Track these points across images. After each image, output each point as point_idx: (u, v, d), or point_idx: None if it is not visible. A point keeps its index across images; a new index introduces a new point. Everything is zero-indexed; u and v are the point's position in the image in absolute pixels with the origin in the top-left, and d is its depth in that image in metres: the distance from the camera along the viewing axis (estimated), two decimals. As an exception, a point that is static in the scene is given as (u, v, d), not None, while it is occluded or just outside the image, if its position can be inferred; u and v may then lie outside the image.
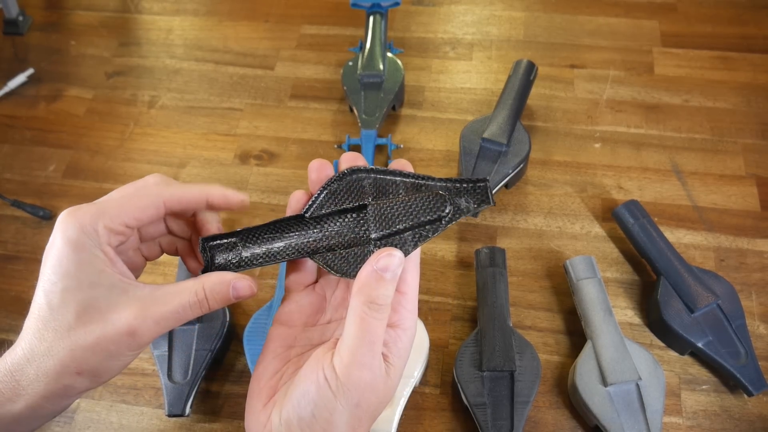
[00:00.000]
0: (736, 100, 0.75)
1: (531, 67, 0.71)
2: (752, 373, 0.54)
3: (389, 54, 0.76)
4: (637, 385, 0.53)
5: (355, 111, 0.72)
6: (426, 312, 0.62)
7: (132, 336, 0.36)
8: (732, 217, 0.66)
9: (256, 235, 0.40)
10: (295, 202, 0.40)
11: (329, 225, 0.40)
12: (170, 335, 0.57)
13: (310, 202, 0.39)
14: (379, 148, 0.73)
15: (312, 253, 0.39)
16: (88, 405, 0.58)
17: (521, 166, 0.66)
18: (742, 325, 0.57)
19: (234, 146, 0.75)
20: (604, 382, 0.53)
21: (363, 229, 0.39)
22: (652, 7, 0.85)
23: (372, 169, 0.39)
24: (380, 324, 0.35)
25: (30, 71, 0.83)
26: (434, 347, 0.59)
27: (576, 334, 0.60)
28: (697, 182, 0.69)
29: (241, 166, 0.73)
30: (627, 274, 0.63)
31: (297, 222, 0.40)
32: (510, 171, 0.65)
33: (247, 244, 0.40)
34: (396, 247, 0.37)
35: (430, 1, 0.88)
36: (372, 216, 0.38)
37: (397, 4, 0.78)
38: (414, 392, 0.57)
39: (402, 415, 0.55)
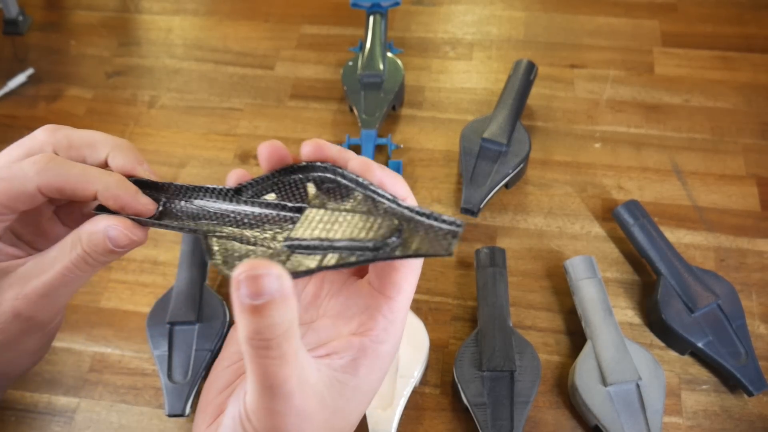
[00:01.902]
0: (737, 100, 0.75)
1: (531, 67, 0.71)
2: (752, 373, 0.54)
3: (389, 54, 0.76)
4: (637, 385, 0.53)
5: (355, 111, 0.72)
6: (426, 312, 0.62)
7: (19, 318, 0.32)
8: (732, 217, 0.66)
9: (182, 194, 0.35)
10: (234, 179, 0.34)
11: (253, 212, 0.34)
12: (170, 335, 0.57)
13: (251, 182, 0.34)
14: (379, 148, 0.73)
15: (224, 238, 0.33)
16: (87, 405, 0.58)
17: (521, 166, 0.66)
18: (743, 325, 0.57)
19: (234, 146, 0.75)
20: (604, 382, 0.53)
21: (285, 229, 0.32)
22: (652, 6, 0.85)
23: (334, 169, 0.32)
24: (278, 363, 0.27)
25: (30, 71, 0.83)
26: (434, 347, 0.59)
27: (576, 334, 0.60)
28: (698, 182, 0.69)
29: (241, 166, 0.73)
30: (627, 274, 0.63)
31: (226, 196, 0.34)
32: (510, 171, 0.65)
33: (173, 200, 0.35)
34: (305, 259, 0.30)
35: (430, 1, 0.88)
36: (303, 219, 0.31)
37: (397, 3, 0.78)
38: (414, 392, 0.57)
39: (402, 415, 0.55)
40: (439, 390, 0.57)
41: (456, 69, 0.80)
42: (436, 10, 0.87)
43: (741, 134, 0.72)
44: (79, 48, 0.86)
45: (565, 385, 0.57)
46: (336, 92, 0.79)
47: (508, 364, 0.53)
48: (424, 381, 0.58)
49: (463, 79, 0.79)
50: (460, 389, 0.54)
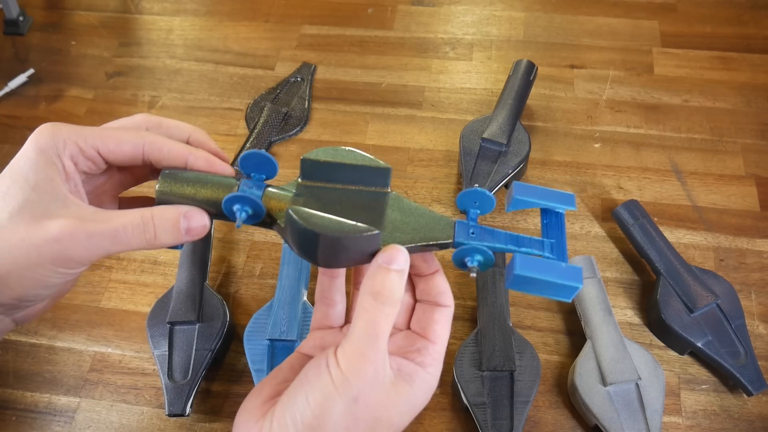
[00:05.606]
0: (736, 100, 0.75)
1: (531, 67, 0.71)
2: (752, 373, 0.54)
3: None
4: (637, 384, 0.53)
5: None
6: (426, 312, 0.62)
7: (59, 243, 0.33)
8: (731, 217, 0.66)
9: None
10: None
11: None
12: (170, 335, 0.57)
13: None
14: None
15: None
16: (88, 405, 0.58)
17: (521, 166, 0.66)
18: (742, 324, 0.57)
19: (234, 146, 0.75)
20: (604, 382, 0.53)
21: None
22: (651, 7, 0.85)
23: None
24: (386, 318, 0.34)
25: (30, 71, 0.83)
26: (434, 347, 0.59)
27: (576, 333, 0.60)
28: (697, 182, 0.69)
29: (241, 166, 0.73)
30: (627, 274, 0.63)
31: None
32: (510, 171, 0.65)
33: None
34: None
35: (430, 1, 0.88)
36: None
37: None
38: (414, 392, 0.57)
39: (402, 415, 0.55)
40: (439, 390, 0.57)
41: (456, 69, 0.81)
42: (436, 11, 0.87)
43: (740, 134, 0.72)
44: (79, 48, 0.86)
45: (564, 384, 0.57)
46: (335, 92, 0.79)
47: (508, 364, 0.53)
48: (424, 381, 0.58)
49: (463, 79, 0.79)
50: (460, 389, 0.54)
